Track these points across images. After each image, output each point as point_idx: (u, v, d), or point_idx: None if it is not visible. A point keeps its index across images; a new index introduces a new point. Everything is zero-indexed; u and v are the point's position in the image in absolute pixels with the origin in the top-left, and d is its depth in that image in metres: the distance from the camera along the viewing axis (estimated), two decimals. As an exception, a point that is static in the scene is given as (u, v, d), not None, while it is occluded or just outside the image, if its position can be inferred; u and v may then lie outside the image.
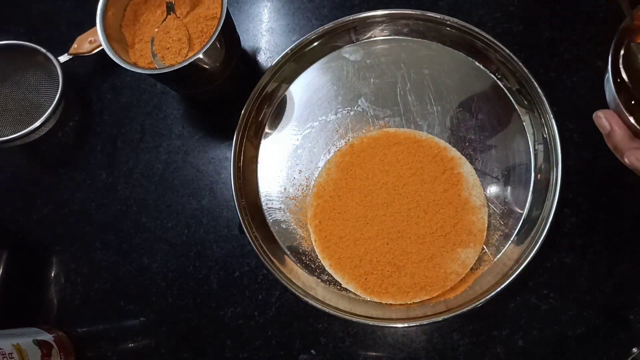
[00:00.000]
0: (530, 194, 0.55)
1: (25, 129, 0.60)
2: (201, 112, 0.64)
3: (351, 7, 0.64)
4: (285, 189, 0.59)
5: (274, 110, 0.61)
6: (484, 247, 0.54)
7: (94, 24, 0.55)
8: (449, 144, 0.57)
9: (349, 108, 0.60)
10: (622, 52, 0.44)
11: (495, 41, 0.57)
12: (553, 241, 0.54)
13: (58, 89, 0.61)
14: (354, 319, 0.52)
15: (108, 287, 0.60)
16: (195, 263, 0.59)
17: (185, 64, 0.52)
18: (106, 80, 0.66)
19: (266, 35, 0.65)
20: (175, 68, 0.52)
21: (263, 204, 0.59)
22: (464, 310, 0.51)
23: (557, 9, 0.60)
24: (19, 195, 0.64)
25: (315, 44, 0.61)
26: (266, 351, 0.56)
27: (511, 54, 0.56)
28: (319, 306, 0.53)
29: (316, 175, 0.58)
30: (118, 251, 0.61)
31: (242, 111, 0.58)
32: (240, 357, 0.57)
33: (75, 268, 0.61)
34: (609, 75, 0.42)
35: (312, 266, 0.56)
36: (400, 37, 0.61)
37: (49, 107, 0.60)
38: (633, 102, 0.43)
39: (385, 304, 0.54)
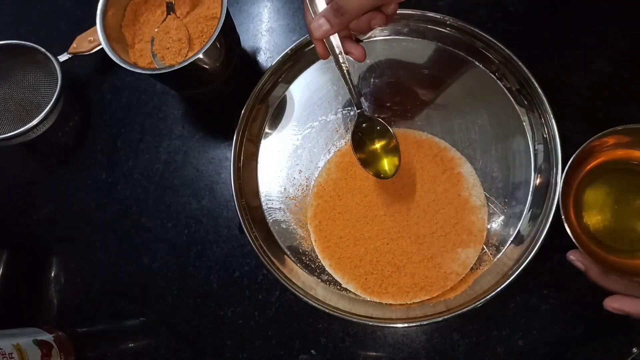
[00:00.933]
0: (530, 194, 0.55)
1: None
2: (201, 112, 0.64)
3: (351, 7, 0.63)
4: (285, 189, 0.59)
5: (274, 110, 0.61)
6: (484, 247, 0.54)
7: (94, 24, 0.55)
8: (449, 144, 0.57)
9: (349, 108, 0.60)
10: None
11: (495, 41, 0.57)
12: (553, 241, 0.54)
13: (57, 88, 0.61)
14: (354, 319, 0.52)
15: (108, 287, 0.60)
16: (195, 263, 0.59)
17: (185, 64, 0.52)
18: (106, 80, 0.66)
19: (266, 35, 0.65)
20: (175, 68, 0.52)
21: (263, 204, 0.59)
22: (464, 310, 0.51)
23: (557, 9, 0.60)
24: (19, 195, 0.64)
25: (315, 44, 0.61)
26: (266, 351, 0.56)
27: (511, 54, 0.56)
28: (319, 306, 0.53)
29: (316, 175, 0.58)
30: (118, 251, 0.61)
31: (242, 111, 0.58)
32: (240, 357, 0.57)
33: (75, 268, 0.61)
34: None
35: (312, 266, 0.56)
36: (400, 37, 0.61)
37: (48, 104, 0.60)
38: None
39: (385, 304, 0.54)
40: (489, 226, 0.55)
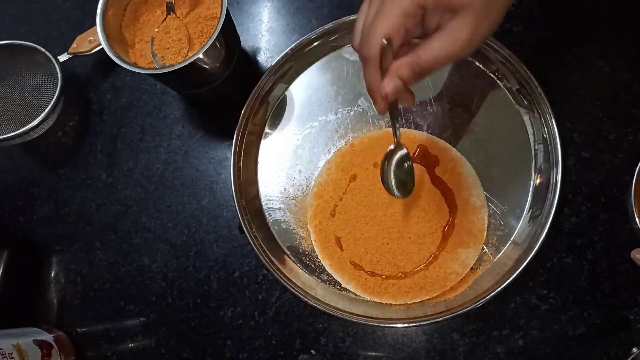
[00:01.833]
0: (530, 194, 0.55)
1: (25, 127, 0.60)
2: (201, 112, 0.64)
3: (351, 7, 0.63)
4: (285, 189, 0.59)
5: (274, 110, 0.61)
6: (484, 247, 0.54)
7: (94, 24, 0.55)
8: (449, 144, 0.57)
9: (349, 108, 0.60)
10: None
11: (495, 41, 0.57)
12: (553, 241, 0.54)
13: (57, 88, 0.61)
14: (354, 319, 0.52)
15: (108, 287, 0.60)
16: (195, 263, 0.59)
17: (185, 64, 0.52)
18: (106, 80, 0.66)
19: (266, 35, 0.65)
20: (175, 68, 0.52)
21: (263, 204, 0.59)
22: (464, 310, 0.51)
23: (557, 9, 0.60)
24: (19, 195, 0.64)
25: (315, 44, 0.61)
26: (266, 351, 0.56)
27: (511, 54, 0.56)
28: (319, 306, 0.53)
29: (316, 175, 0.58)
30: (118, 251, 0.61)
31: (242, 111, 0.58)
32: (240, 357, 0.57)
33: (75, 268, 0.61)
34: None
35: (312, 266, 0.56)
36: (400, 37, 0.61)
37: (49, 105, 0.60)
38: None
39: (385, 304, 0.54)
40: (489, 226, 0.55)
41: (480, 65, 0.59)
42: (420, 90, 0.59)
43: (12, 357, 0.51)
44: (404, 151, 0.50)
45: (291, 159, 0.60)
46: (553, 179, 0.54)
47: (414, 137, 0.58)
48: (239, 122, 0.58)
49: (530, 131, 0.56)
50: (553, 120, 0.54)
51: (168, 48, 0.56)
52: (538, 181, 0.55)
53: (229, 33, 0.57)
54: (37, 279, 0.62)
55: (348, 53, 0.61)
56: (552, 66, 0.59)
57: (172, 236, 0.60)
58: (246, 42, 0.65)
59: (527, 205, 0.55)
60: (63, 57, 0.62)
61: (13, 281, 0.62)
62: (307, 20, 0.64)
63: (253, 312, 0.57)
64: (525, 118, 0.57)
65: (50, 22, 0.69)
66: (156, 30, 0.57)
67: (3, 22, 0.70)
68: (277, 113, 0.61)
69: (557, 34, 0.60)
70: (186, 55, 0.55)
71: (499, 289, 0.51)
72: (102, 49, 0.54)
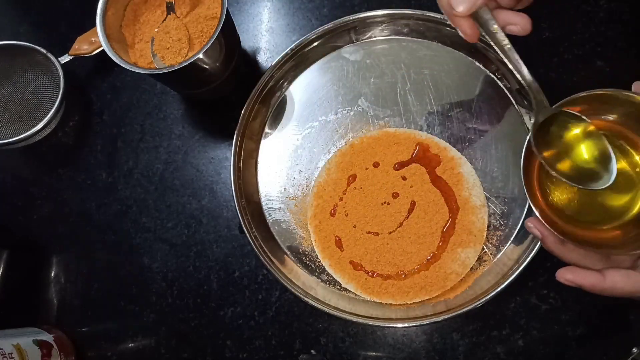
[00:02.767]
0: (530, 194, 0.55)
1: (26, 128, 0.60)
2: (201, 112, 0.64)
3: (351, 7, 0.64)
4: (285, 189, 0.59)
5: (274, 110, 0.61)
6: (484, 247, 0.54)
7: (94, 24, 0.55)
8: (449, 144, 0.57)
9: (349, 108, 0.60)
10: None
11: (495, 41, 0.57)
12: (553, 241, 0.54)
13: (59, 90, 0.61)
14: (354, 319, 0.52)
15: (108, 287, 0.60)
16: (195, 263, 0.59)
17: (185, 64, 0.52)
18: (106, 81, 0.66)
19: (266, 35, 0.65)
20: (175, 68, 0.52)
21: (263, 204, 0.59)
22: (464, 310, 0.51)
23: (557, 9, 0.60)
24: (19, 195, 0.64)
25: (315, 44, 0.61)
26: (266, 351, 0.56)
27: (511, 54, 0.56)
28: (319, 306, 0.53)
29: (316, 175, 0.58)
30: (118, 251, 0.61)
31: (242, 111, 0.58)
32: (240, 357, 0.57)
33: (75, 268, 0.61)
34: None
35: (312, 266, 0.56)
36: (400, 37, 0.61)
37: (50, 107, 0.60)
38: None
39: (385, 304, 0.54)
40: (489, 226, 0.55)
41: (480, 65, 0.59)
42: (420, 90, 0.59)
43: (12, 357, 0.51)
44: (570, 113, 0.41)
45: (291, 159, 0.60)
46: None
47: (414, 137, 0.58)
48: (239, 122, 0.58)
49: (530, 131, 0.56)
50: (553, 120, 0.54)
51: (168, 48, 0.56)
52: (538, 181, 0.55)
53: (229, 33, 0.57)
54: (37, 279, 0.62)
55: (348, 53, 0.61)
56: (552, 66, 0.59)
57: (172, 236, 0.60)
58: (246, 42, 0.65)
59: (527, 205, 0.55)
60: (64, 59, 0.62)
61: (13, 281, 0.62)
62: (307, 20, 0.64)
63: (253, 312, 0.57)
64: (525, 118, 0.57)
65: (50, 22, 0.69)
66: (156, 30, 0.57)
67: (3, 22, 0.70)
68: (277, 113, 0.61)
69: (557, 34, 0.60)
70: (186, 55, 0.55)
71: (499, 289, 0.51)
72: (103, 50, 0.54)
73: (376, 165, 0.57)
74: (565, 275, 0.41)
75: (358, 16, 0.59)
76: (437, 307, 0.53)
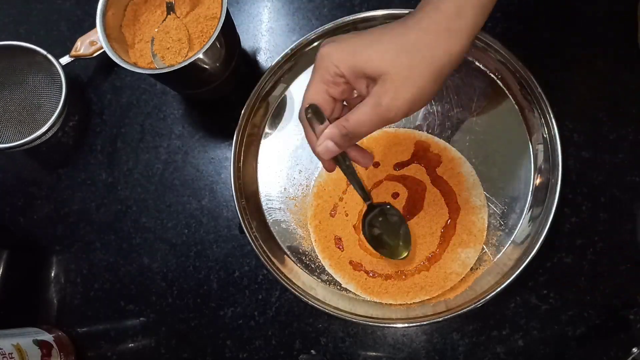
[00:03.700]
0: (530, 194, 0.55)
1: (26, 129, 0.60)
2: (201, 112, 0.64)
3: (351, 7, 0.64)
4: (285, 189, 0.59)
5: (274, 110, 0.61)
6: (484, 247, 0.54)
7: (94, 24, 0.55)
8: (449, 144, 0.57)
9: (349, 108, 0.60)
10: None
11: (495, 41, 0.57)
12: (553, 241, 0.54)
13: (61, 92, 0.60)
14: (354, 319, 0.52)
15: (108, 287, 0.60)
16: (195, 263, 0.59)
17: (185, 64, 0.52)
18: (106, 81, 0.66)
19: (266, 35, 0.65)
20: (175, 68, 0.52)
21: (263, 204, 0.59)
22: (464, 310, 0.51)
23: (557, 9, 0.60)
24: (19, 195, 0.64)
25: (315, 44, 0.61)
26: (266, 351, 0.56)
27: (511, 54, 0.56)
28: (319, 306, 0.53)
29: (316, 175, 0.58)
30: (118, 251, 0.61)
31: (242, 111, 0.58)
32: (240, 357, 0.57)
33: (75, 268, 0.61)
34: None
35: (312, 266, 0.56)
36: (400, 37, 0.61)
37: (52, 110, 0.60)
38: None
39: (385, 304, 0.54)
40: (489, 226, 0.55)
41: (480, 65, 0.59)
42: (420, 90, 0.59)
43: (12, 357, 0.51)
44: (380, 208, 0.54)
45: (291, 159, 0.60)
46: (553, 179, 0.53)
47: (414, 136, 0.58)
48: (239, 122, 0.58)
49: (530, 131, 0.56)
50: (553, 120, 0.54)
51: (168, 48, 0.56)
52: (538, 181, 0.55)
53: (229, 33, 0.57)
54: (37, 279, 0.62)
55: (348, 53, 0.61)
56: (552, 66, 0.59)
57: (172, 236, 0.60)
58: (246, 42, 0.65)
59: (527, 206, 0.55)
60: (65, 60, 0.62)
61: (13, 281, 0.62)
62: (307, 20, 0.64)
63: (253, 312, 0.57)
64: (525, 118, 0.57)
65: (50, 22, 0.69)
66: (156, 30, 0.57)
67: (3, 23, 0.70)
68: (277, 113, 0.61)
69: (557, 34, 0.60)
70: (186, 55, 0.55)
71: (499, 289, 0.51)
72: (104, 51, 0.54)
73: (376, 165, 0.57)
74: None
75: (358, 16, 0.59)
76: (437, 307, 0.53)
